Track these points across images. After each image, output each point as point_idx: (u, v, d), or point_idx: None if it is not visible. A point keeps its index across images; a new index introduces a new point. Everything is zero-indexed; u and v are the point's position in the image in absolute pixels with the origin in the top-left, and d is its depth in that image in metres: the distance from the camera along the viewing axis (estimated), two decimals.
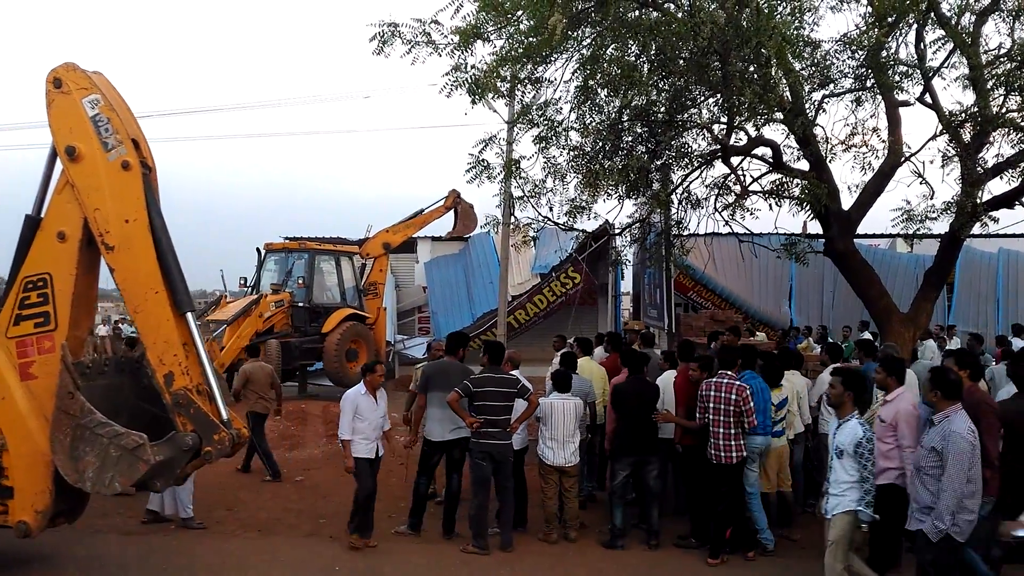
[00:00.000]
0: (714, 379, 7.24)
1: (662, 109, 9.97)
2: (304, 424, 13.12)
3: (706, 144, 10.75)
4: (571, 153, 10.37)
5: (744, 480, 7.24)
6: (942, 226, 10.50)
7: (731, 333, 11.59)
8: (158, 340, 5.90)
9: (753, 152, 10.77)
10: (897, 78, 9.85)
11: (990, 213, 10.14)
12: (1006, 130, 9.82)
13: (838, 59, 9.86)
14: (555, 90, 9.98)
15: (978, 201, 9.59)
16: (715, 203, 11.61)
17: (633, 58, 9.15)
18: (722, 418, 7.05)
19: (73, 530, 7.85)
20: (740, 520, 7.22)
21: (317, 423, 13.20)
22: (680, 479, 8.43)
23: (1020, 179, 10.08)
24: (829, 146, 10.58)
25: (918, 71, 9.94)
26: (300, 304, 16.05)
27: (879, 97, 10.49)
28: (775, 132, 10.54)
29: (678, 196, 11.59)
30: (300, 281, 16.08)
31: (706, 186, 11.68)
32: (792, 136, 10.19)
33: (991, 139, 9.99)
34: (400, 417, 10.22)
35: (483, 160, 10.42)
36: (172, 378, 5.82)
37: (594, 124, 10.02)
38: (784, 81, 9.09)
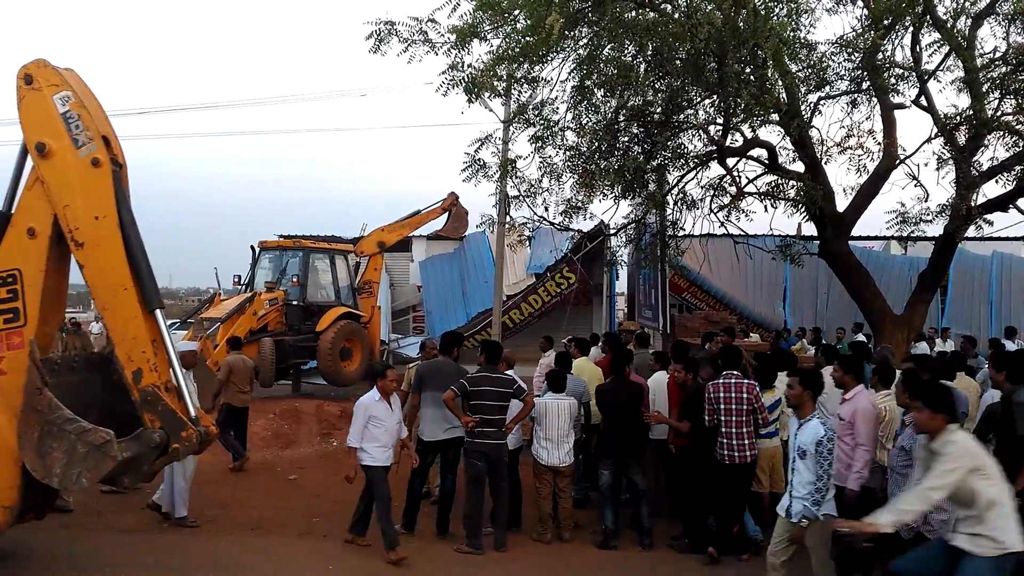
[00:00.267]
0: (721, 380, 7.20)
1: (658, 110, 9.98)
2: (298, 423, 13.09)
3: (702, 145, 10.79)
4: (567, 153, 10.38)
5: None
6: (936, 229, 10.55)
7: (726, 334, 11.61)
8: (126, 337, 5.92)
9: (749, 153, 10.79)
10: (893, 81, 9.89)
11: (984, 216, 10.18)
12: (1001, 133, 9.85)
13: (834, 61, 9.89)
14: (551, 90, 9.98)
15: (972, 204, 9.63)
16: (710, 204, 11.64)
17: (630, 58, 9.15)
18: (734, 418, 7.02)
19: (66, 528, 7.86)
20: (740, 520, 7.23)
21: (311, 422, 13.17)
22: (673, 480, 8.44)
23: (1015, 182, 10.12)
24: (824, 148, 10.62)
25: (914, 74, 9.98)
26: (294, 302, 15.98)
27: (875, 99, 10.53)
28: (771, 134, 10.57)
29: (674, 197, 11.60)
30: (294, 279, 16.01)
31: (702, 187, 11.71)
32: (788, 138, 10.21)
33: (986, 142, 10.02)
34: None
35: (479, 159, 10.44)
36: (140, 375, 5.86)
37: (590, 124, 10.02)
38: (780, 83, 9.12)
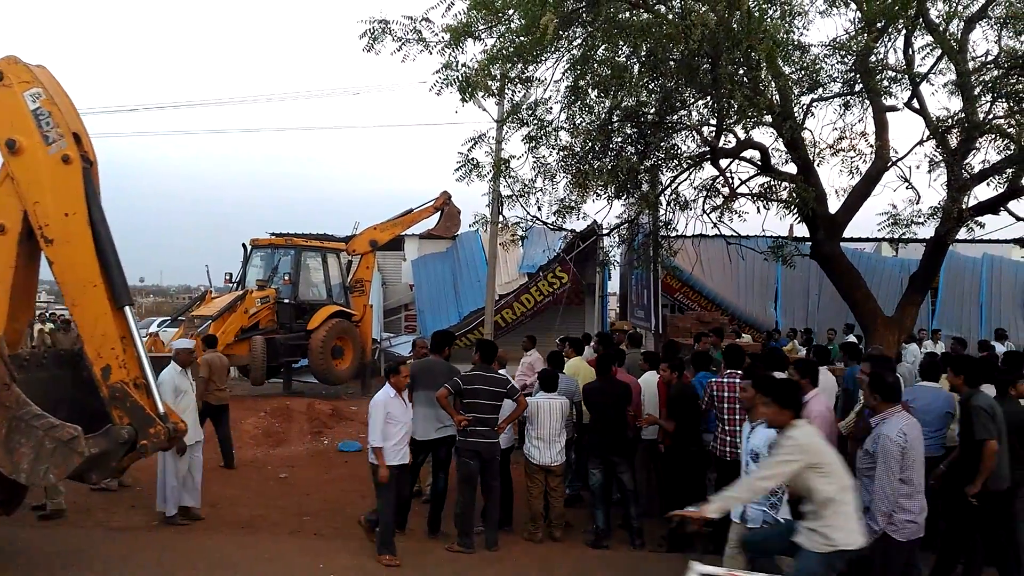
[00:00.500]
0: (725, 379, 7.22)
1: (652, 110, 9.98)
2: (289, 421, 13.07)
3: (695, 146, 10.79)
4: (560, 153, 10.37)
5: None
6: (928, 231, 10.59)
7: (714, 335, 11.64)
8: (95, 333, 5.95)
9: (742, 155, 10.80)
10: (885, 83, 9.92)
11: (976, 218, 10.22)
12: (992, 136, 9.90)
13: (827, 63, 9.90)
14: (545, 90, 9.97)
15: (964, 206, 9.66)
16: (703, 205, 11.64)
17: (624, 59, 9.15)
18: (737, 416, 7.02)
19: (57, 526, 7.84)
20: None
21: (302, 420, 13.15)
22: (663, 480, 8.45)
23: (1006, 185, 10.18)
24: (817, 150, 10.64)
25: (906, 76, 10.01)
26: (286, 300, 15.97)
27: (867, 102, 10.55)
28: (764, 135, 10.59)
29: (666, 197, 11.61)
30: (286, 277, 16.00)
31: (694, 188, 11.71)
32: (780, 139, 10.23)
33: (977, 145, 10.06)
34: None
35: (472, 159, 10.41)
36: (109, 371, 5.88)
37: (584, 124, 10.02)
38: (773, 84, 9.13)
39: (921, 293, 11.13)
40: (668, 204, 11.80)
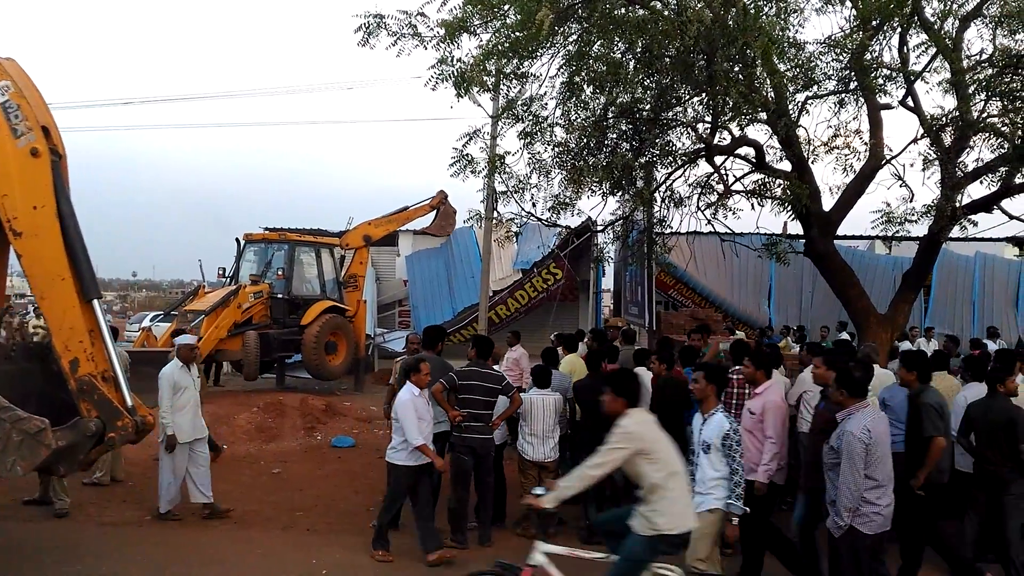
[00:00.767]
0: (734, 376, 7.25)
1: (647, 107, 9.97)
2: (282, 416, 13.04)
3: (690, 143, 10.77)
4: (555, 149, 10.35)
5: None
6: (921, 229, 10.60)
7: (699, 332, 11.57)
8: (64, 326, 5.94)
9: (736, 152, 10.80)
10: (880, 81, 9.91)
11: (969, 217, 10.24)
12: (986, 135, 9.91)
13: (822, 61, 9.88)
14: (541, 86, 9.94)
15: (957, 205, 9.68)
16: (698, 202, 11.63)
17: (619, 55, 9.13)
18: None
19: (49, 521, 7.80)
20: None
21: (295, 415, 13.13)
22: None
23: (999, 183, 10.19)
24: (811, 147, 10.64)
25: (901, 75, 10.01)
26: (279, 295, 15.94)
27: (862, 99, 10.55)
28: (758, 132, 10.58)
29: (661, 194, 11.59)
30: (279, 272, 15.96)
31: (689, 185, 11.69)
32: (775, 137, 10.22)
33: (971, 143, 10.07)
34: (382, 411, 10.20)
35: (467, 154, 10.38)
36: (77, 364, 5.89)
37: (579, 120, 9.99)
38: (768, 82, 9.13)
39: (914, 291, 11.16)
40: (662, 201, 11.79)
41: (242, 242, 16.81)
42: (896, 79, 10.08)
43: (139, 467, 9.81)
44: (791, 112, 9.91)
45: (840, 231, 11.18)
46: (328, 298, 16.74)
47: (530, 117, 9.98)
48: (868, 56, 9.64)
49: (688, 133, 10.56)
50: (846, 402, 5.36)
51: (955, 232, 10.50)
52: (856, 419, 5.20)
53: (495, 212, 12.58)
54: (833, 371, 6.00)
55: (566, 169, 10.35)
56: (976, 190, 10.35)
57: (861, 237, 20.88)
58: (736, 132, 10.28)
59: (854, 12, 9.58)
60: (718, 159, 10.69)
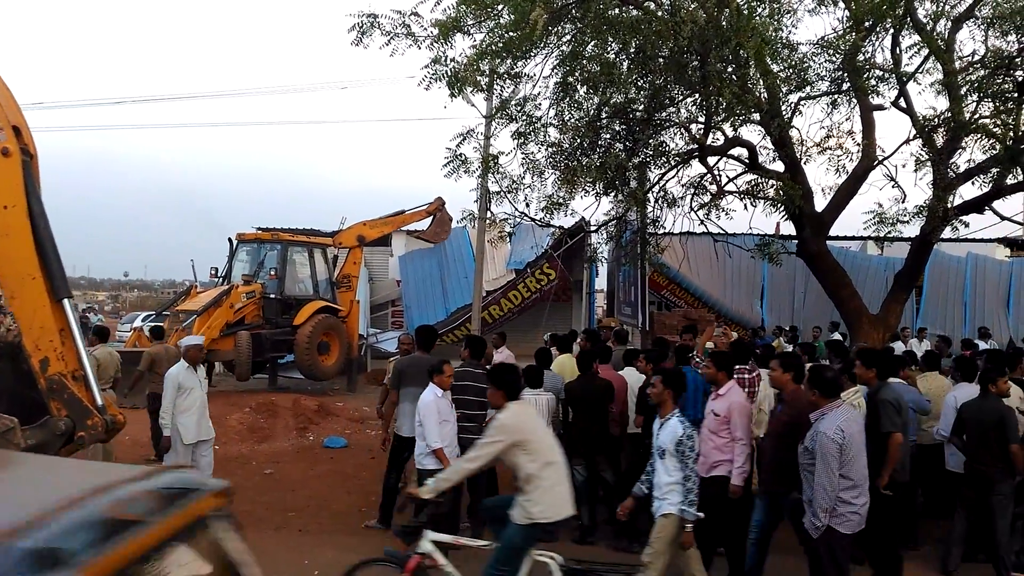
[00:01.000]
0: (735, 375, 7.24)
1: (641, 107, 9.98)
2: (274, 417, 13.00)
3: (683, 143, 10.80)
4: (549, 149, 10.36)
5: None
6: (913, 229, 10.65)
7: (688, 333, 11.53)
8: (34, 326, 5.95)
9: (729, 152, 10.83)
10: (873, 82, 9.95)
11: (961, 217, 10.29)
12: (978, 136, 9.95)
13: (815, 62, 9.93)
14: (534, 86, 9.96)
15: (949, 205, 9.72)
16: (691, 202, 11.66)
17: (613, 56, 9.15)
18: None
19: None
20: None
21: (287, 416, 13.09)
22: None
23: (991, 184, 10.24)
24: (804, 148, 10.69)
25: (893, 76, 10.05)
26: (272, 295, 15.90)
27: (854, 100, 10.60)
28: (752, 133, 10.63)
29: (654, 195, 11.62)
30: (272, 272, 15.92)
31: (682, 185, 11.73)
32: (768, 137, 10.26)
33: (963, 144, 10.12)
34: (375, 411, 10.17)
35: (460, 154, 10.39)
36: (47, 363, 5.91)
37: (573, 121, 10.01)
38: (762, 82, 9.16)
39: (906, 291, 11.21)
40: (656, 201, 11.82)
41: (234, 242, 16.76)
42: (889, 80, 10.12)
43: None
44: (784, 113, 9.94)
45: (832, 232, 11.22)
46: (321, 298, 16.71)
47: (524, 117, 9.99)
48: (861, 57, 9.68)
49: (681, 133, 10.59)
50: (819, 402, 5.34)
51: (947, 233, 10.56)
52: (829, 419, 5.18)
53: (489, 212, 12.58)
54: (789, 374, 6.01)
55: (559, 169, 10.36)
56: (968, 191, 10.42)
57: (853, 238, 20.91)
58: (729, 132, 10.31)
59: (847, 13, 9.62)
60: (711, 159, 10.72)
